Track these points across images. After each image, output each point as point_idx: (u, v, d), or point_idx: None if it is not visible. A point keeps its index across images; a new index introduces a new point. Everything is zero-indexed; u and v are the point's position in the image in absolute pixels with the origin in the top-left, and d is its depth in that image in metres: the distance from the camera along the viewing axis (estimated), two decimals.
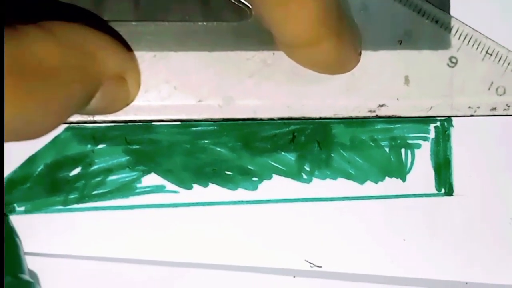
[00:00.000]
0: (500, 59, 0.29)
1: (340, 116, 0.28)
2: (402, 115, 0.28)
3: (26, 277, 0.26)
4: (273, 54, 0.27)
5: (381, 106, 0.28)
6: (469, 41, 0.29)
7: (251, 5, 0.26)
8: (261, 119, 0.27)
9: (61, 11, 0.25)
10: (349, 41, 0.25)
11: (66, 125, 0.27)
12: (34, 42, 0.19)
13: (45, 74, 0.19)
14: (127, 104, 0.26)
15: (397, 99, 0.28)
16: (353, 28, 0.26)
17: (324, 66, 0.25)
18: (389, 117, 0.28)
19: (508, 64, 0.29)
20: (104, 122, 0.26)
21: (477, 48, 0.29)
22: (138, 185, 0.27)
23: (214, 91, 0.27)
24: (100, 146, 0.27)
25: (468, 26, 0.29)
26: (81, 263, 0.27)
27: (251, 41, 0.27)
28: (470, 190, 0.29)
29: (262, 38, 0.27)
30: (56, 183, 0.27)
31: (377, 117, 0.28)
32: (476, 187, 0.30)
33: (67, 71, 0.20)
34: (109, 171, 0.27)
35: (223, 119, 0.27)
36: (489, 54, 0.29)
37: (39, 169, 0.27)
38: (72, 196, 0.27)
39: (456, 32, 0.29)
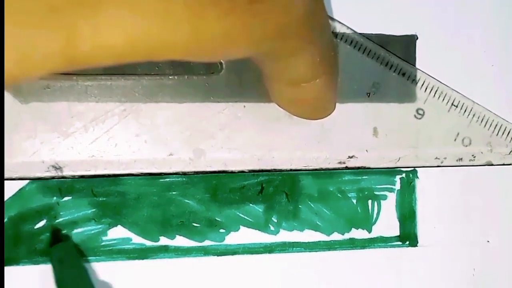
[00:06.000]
0: (465, 110, 0.30)
1: (311, 167, 0.28)
2: (371, 166, 0.29)
3: None
4: (244, 106, 0.27)
5: (350, 157, 0.28)
6: (435, 93, 0.29)
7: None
8: (231, 172, 0.27)
9: None
10: (336, 80, 0.25)
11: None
12: None
13: None
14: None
15: (366, 150, 0.29)
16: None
17: (311, 105, 0.25)
18: (358, 168, 0.29)
19: (473, 115, 0.30)
20: (73, 177, 0.26)
21: (443, 100, 0.29)
22: (104, 238, 0.27)
23: (184, 145, 0.27)
24: (66, 198, 0.26)
25: (434, 78, 0.29)
26: None
27: (221, 94, 0.27)
28: (434, 241, 0.30)
29: (233, 91, 0.27)
30: (21, 236, 0.26)
31: (347, 168, 0.29)
32: (440, 238, 0.30)
33: None
34: (74, 223, 0.26)
35: (194, 172, 0.27)
36: (454, 105, 0.29)
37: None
38: (37, 249, 0.26)
39: (423, 84, 0.29)
